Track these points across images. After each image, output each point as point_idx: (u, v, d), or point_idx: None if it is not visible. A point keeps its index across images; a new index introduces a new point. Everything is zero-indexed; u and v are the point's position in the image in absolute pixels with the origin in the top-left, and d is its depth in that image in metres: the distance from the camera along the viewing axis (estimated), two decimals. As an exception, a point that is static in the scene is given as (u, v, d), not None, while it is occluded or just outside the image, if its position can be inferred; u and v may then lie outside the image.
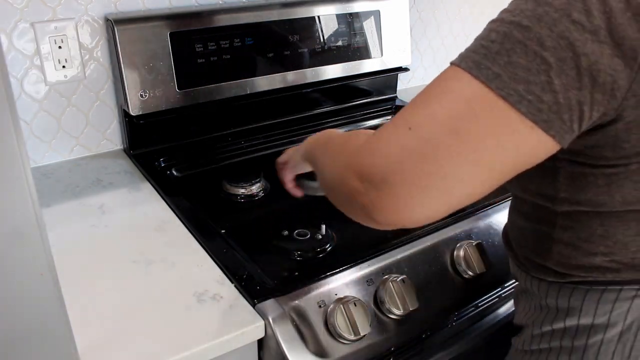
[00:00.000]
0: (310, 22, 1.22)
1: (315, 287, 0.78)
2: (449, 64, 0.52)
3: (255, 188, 1.06)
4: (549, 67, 0.46)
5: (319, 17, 1.22)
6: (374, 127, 1.40)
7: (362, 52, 1.31)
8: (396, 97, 1.50)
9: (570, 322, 0.64)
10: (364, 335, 0.76)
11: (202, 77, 1.10)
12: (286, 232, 0.92)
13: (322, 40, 1.24)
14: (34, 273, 0.47)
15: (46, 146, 1.10)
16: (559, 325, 0.66)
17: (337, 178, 0.59)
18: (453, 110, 0.49)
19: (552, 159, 0.52)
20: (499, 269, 0.96)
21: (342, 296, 0.78)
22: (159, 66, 1.05)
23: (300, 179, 0.96)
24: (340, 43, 1.27)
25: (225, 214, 1.01)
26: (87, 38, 1.06)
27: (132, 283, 0.79)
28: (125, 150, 1.17)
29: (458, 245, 0.91)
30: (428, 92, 0.51)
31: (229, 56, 1.12)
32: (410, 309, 0.81)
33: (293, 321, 0.73)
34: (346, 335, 0.75)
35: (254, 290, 0.76)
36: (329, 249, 0.90)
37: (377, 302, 0.81)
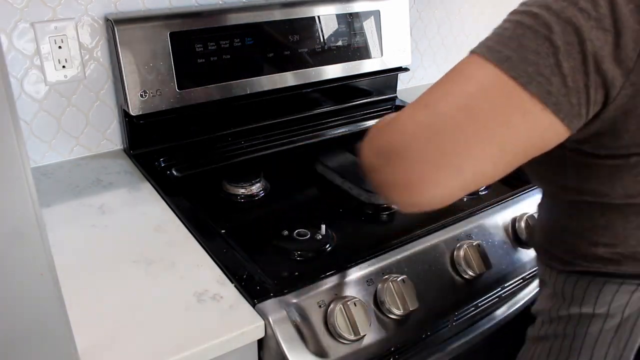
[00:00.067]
0: (310, 22, 1.22)
1: (315, 287, 0.78)
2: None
3: (255, 188, 1.06)
4: (557, 49, 0.48)
5: (319, 17, 1.22)
6: (374, 127, 1.41)
7: (362, 52, 1.31)
8: (396, 97, 1.50)
9: (574, 310, 0.67)
10: (364, 335, 0.76)
11: (202, 77, 1.10)
12: (286, 232, 0.92)
13: (322, 40, 1.24)
14: (34, 273, 0.47)
15: (46, 146, 1.10)
16: (563, 312, 0.69)
17: (361, 159, 0.61)
18: (466, 90, 0.52)
19: (561, 147, 0.54)
20: (499, 269, 0.96)
21: (342, 296, 0.78)
22: (159, 66, 1.05)
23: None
24: (340, 43, 1.27)
25: (225, 214, 1.01)
26: (87, 38, 1.06)
27: (132, 283, 0.79)
28: (125, 150, 1.17)
29: (458, 245, 0.91)
30: (446, 76, 0.56)
31: (229, 56, 1.12)
32: (410, 309, 0.81)
33: (293, 321, 0.73)
34: (346, 335, 0.75)
35: (254, 290, 0.76)
36: (329, 249, 0.90)
37: (377, 302, 0.81)
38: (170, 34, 1.05)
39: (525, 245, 1.01)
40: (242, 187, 1.05)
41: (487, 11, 1.71)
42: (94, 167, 1.10)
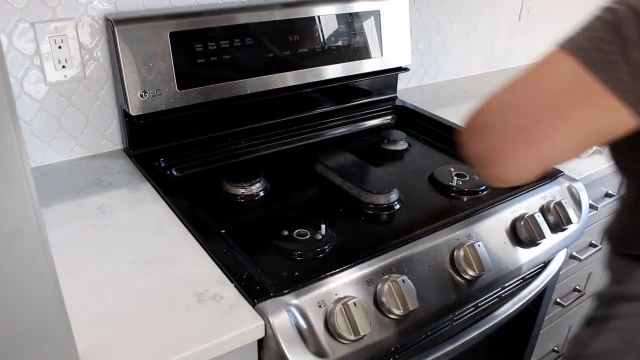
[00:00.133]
0: (310, 22, 1.22)
1: (315, 287, 0.78)
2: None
3: (255, 188, 1.06)
4: (626, 40, 0.52)
5: (319, 17, 1.23)
6: (374, 127, 1.41)
7: (362, 52, 1.31)
8: (396, 97, 1.50)
9: (616, 288, 0.73)
10: (364, 335, 0.76)
11: (202, 77, 1.10)
12: (286, 232, 0.92)
13: (322, 40, 1.24)
14: (34, 273, 0.47)
15: (46, 146, 1.10)
16: (610, 290, 0.74)
17: (459, 137, 0.68)
18: (543, 73, 0.58)
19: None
20: (498, 269, 0.96)
21: (342, 296, 0.78)
22: (159, 66, 1.05)
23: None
24: (340, 43, 1.27)
25: (225, 214, 1.01)
26: (87, 38, 1.06)
27: (132, 283, 0.79)
28: (125, 150, 1.17)
29: (458, 245, 0.91)
30: (531, 64, 0.61)
31: (229, 56, 1.12)
32: (410, 309, 0.81)
33: (293, 321, 0.73)
34: (346, 335, 0.75)
35: (254, 290, 0.76)
36: (329, 249, 0.90)
37: (377, 302, 0.81)
38: (170, 34, 1.05)
39: (525, 245, 1.01)
40: (242, 187, 1.05)
41: (487, 11, 1.71)
42: (94, 167, 1.10)
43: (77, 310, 0.73)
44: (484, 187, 1.10)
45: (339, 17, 1.25)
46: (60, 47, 1.03)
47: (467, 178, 1.12)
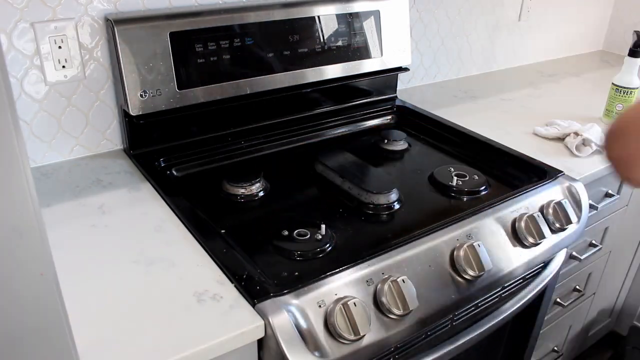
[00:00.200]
0: (310, 22, 1.22)
1: (315, 287, 0.78)
2: None
3: (255, 188, 1.06)
4: None
5: (319, 17, 1.23)
6: (374, 127, 1.41)
7: (362, 52, 1.31)
8: (396, 97, 1.50)
9: None
10: (364, 335, 0.76)
11: (202, 77, 1.10)
12: (286, 232, 0.92)
13: (322, 40, 1.24)
14: (34, 273, 0.47)
15: (46, 146, 1.10)
16: None
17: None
18: None
19: None
20: (498, 269, 0.96)
21: (342, 296, 0.78)
22: (159, 66, 1.05)
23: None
24: (340, 43, 1.27)
25: (225, 214, 1.01)
26: (87, 38, 1.06)
27: (132, 283, 0.79)
28: (125, 150, 1.17)
29: (458, 245, 0.91)
30: None
31: (229, 56, 1.12)
32: (410, 309, 0.81)
33: (293, 321, 0.73)
34: (346, 335, 0.75)
35: (254, 290, 0.76)
36: (329, 249, 0.90)
37: (377, 302, 0.81)
38: (170, 34, 1.05)
39: (525, 245, 1.01)
40: (242, 187, 1.05)
41: (487, 11, 1.71)
42: (94, 167, 1.10)
43: (77, 310, 0.73)
44: (483, 187, 1.10)
45: (339, 17, 1.25)
46: (60, 47, 1.03)
47: (467, 178, 1.12)
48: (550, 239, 1.05)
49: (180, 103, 1.09)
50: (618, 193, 1.40)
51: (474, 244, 0.90)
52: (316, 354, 0.74)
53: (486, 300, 1.02)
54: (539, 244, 1.02)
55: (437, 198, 1.09)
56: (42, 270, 0.47)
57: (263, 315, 0.73)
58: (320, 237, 0.91)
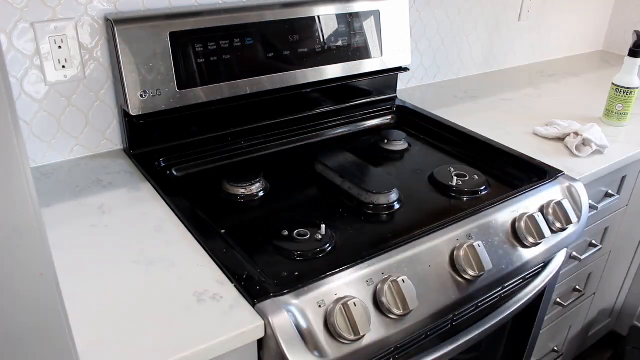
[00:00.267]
0: (310, 22, 1.22)
1: (315, 287, 0.78)
2: None
3: (255, 188, 1.06)
4: None
5: (319, 17, 1.23)
6: (374, 127, 1.41)
7: (362, 52, 1.31)
8: (396, 97, 1.50)
9: None
10: (364, 335, 0.76)
11: (202, 77, 1.10)
12: (286, 232, 0.92)
13: (322, 40, 1.24)
14: (34, 273, 0.47)
15: (46, 146, 1.10)
16: None
17: None
18: None
19: None
20: (498, 269, 0.96)
21: (342, 296, 0.78)
22: (159, 66, 1.05)
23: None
24: (340, 43, 1.27)
25: (225, 214, 1.01)
26: (87, 38, 1.06)
27: (132, 283, 0.79)
28: (125, 150, 1.17)
29: (458, 245, 0.91)
30: None
31: (229, 56, 1.12)
32: (410, 309, 0.81)
33: (293, 321, 0.73)
34: (346, 335, 0.75)
35: (254, 290, 0.76)
36: (329, 249, 0.90)
37: (377, 302, 0.81)
38: (170, 34, 1.05)
39: (525, 245, 1.01)
40: (242, 187, 1.05)
41: (487, 11, 1.71)
42: (94, 167, 1.10)
43: (77, 310, 0.73)
44: (483, 187, 1.10)
45: (339, 17, 1.25)
46: (60, 47, 1.03)
47: (467, 178, 1.12)
48: (550, 239, 1.05)
49: (180, 103, 1.09)
50: (618, 193, 1.40)
51: (474, 244, 0.90)
52: (316, 354, 0.74)
53: (486, 300, 1.02)
54: (539, 244, 1.02)
55: (437, 198, 1.09)
56: (42, 270, 0.47)
57: (263, 315, 0.73)
58: (320, 237, 0.91)
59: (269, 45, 1.17)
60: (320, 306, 0.76)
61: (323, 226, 0.92)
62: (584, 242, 1.40)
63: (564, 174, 1.14)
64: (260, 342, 0.75)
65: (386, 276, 0.82)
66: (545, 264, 1.12)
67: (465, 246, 0.90)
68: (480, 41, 1.74)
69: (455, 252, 0.91)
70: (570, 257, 1.35)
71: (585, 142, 1.26)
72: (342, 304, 0.76)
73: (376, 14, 1.32)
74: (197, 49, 1.08)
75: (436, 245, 0.91)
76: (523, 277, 1.08)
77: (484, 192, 1.09)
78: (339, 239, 0.93)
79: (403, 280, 0.81)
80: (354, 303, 0.76)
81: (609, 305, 1.79)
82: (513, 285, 1.07)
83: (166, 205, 0.98)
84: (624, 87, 1.39)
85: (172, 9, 1.12)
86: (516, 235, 1.00)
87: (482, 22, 1.72)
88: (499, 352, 1.28)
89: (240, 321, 0.72)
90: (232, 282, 0.79)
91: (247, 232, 0.95)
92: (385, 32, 1.35)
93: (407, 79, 1.62)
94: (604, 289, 1.67)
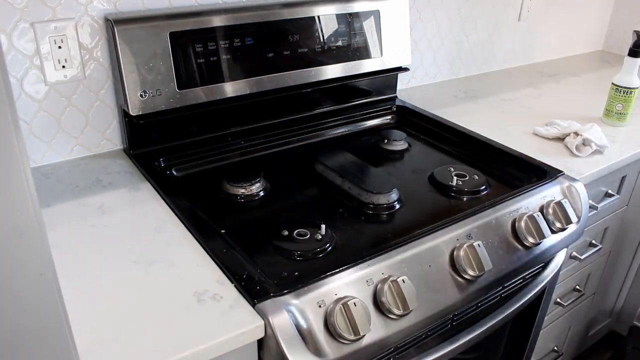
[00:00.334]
0: (310, 22, 1.22)
1: (315, 287, 0.78)
2: None
3: (255, 188, 1.06)
4: None
5: (319, 17, 1.23)
6: (374, 127, 1.41)
7: (362, 52, 1.31)
8: (396, 97, 1.50)
9: None
10: (364, 335, 0.76)
11: (202, 77, 1.10)
12: (286, 232, 0.92)
13: (322, 40, 1.24)
14: (34, 273, 0.47)
15: (46, 146, 1.10)
16: None
17: None
18: None
19: None
20: (499, 269, 0.96)
21: (342, 296, 0.78)
22: (159, 66, 1.05)
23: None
24: (340, 43, 1.27)
25: (225, 214, 1.01)
26: (87, 38, 1.06)
27: (132, 283, 0.79)
28: (125, 150, 1.17)
29: (458, 245, 0.91)
30: None
31: (229, 56, 1.12)
32: (410, 309, 0.81)
33: (293, 321, 0.73)
34: (346, 335, 0.75)
35: (254, 290, 0.76)
36: (329, 249, 0.90)
37: (377, 302, 0.81)
38: (170, 34, 1.05)
39: (525, 245, 1.01)
40: (242, 187, 1.05)
41: (487, 11, 1.71)
42: (94, 167, 1.10)
43: (77, 310, 0.73)
44: (484, 187, 1.10)
45: (339, 17, 1.25)
46: (60, 47, 1.03)
47: (467, 178, 1.12)
48: (550, 239, 1.05)
49: (180, 103, 1.09)
50: (618, 193, 1.40)
51: (474, 244, 0.90)
52: (316, 354, 0.74)
53: (486, 300, 1.02)
54: (539, 244, 1.02)
55: (437, 198, 1.09)
56: (42, 270, 0.47)
57: (263, 315, 0.73)
58: (320, 237, 0.91)
59: (269, 45, 1.17)
60: (320, 306, 0.76)
61: (323, 226, 0.92)
62: (584, 242, 1.40)
63: (564, 174, 1.14)
64: (260, 342, 0.75)
65: (386, 276, 0.82)
66: (545, 264, 1.12)
67: (465, 246, 0.90)
68: (480, 41, 1.74)
69: (455, 252, 0.91)
70: (570, 257, 1.35)
71: (585, 142, 1.26)
72: (342, 304, 0.76)
73: (376, 14, 1.32)
74: (197, 49, 1.08)
75: (436, 245, 0.91)
76: (523, 277, 1.08)
77: (484, 192, 1.09)
78: (339, 239, 0.93)
79: (403, 280, 0.81)
80: (354, 303, 0.76)
81: (609, 305, 1.79)
82: (513, 285, 1.07)
83: (166, 205, 0.98)
84: (624, 87, 1.39)
85: (172, 9, 1.12)
86: (516, 235, 1.00)
87: (482, 22, 1.72)
88: (499, 352, 1.28)
89: (240, 321, 0.72)
90: (232, 282, 0.79)
91: (247, 232, 0.95)
92: (385, 32, 1.35)
93: (407, 79, 1.62)
94: (604, 289, 1.67)
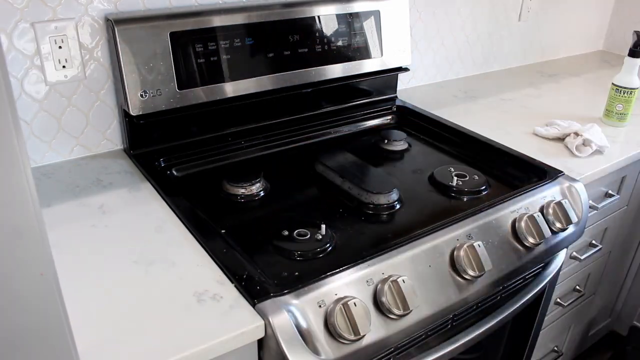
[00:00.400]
0: (310, 22, 1.22)
1: (315, 287, 0.78)
2: None
3: (255, 188, 1.06)
4: None
5: (319, 17, 1.23)
6: (374, 127, 1.41)
7: (362, 52, 1.31)
8: (396, 97, 1.50)
9: None
10: (364, 335, 0.76)
11: (202, 77, 1.10)
12: (286, 232, 0.92)
13: (322, 40, 1.24)
14: (34, 273, 0.47)
15: (46, 146, 1.10)
16: None
17: None
18: None
19: None
20: (499, 269, 0.96)
21: (342, 296, 0.78)
22: (159, 66, 1.05)
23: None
24: (340, 43, 1.27)
25: (225, 214, 1.01)
26: (87, 38, 1.06)
27: (132, 283, 0.79)
28: (125, 150, 1.17)
29: (458, 245, 0.91)
30: None
31: (229, 56, 1.12)
32: (410, 309, 0.81)
33: (293, 321, 0.73)
34: (346, 335, 0.75)
35: (254, 290, 0.76)
36: (329, 249, 0.90)
37: (377, 302, 0.81)
38: (170, 34, 1.05)
39: (525, 245, 1.01)
40: (242, 187, 1.05)
41: (487, 11, 1.71)
42: (94, 167, 1.10)
43: (77, 310, 0.73)
44: (483, 187, 1.10)
45: (339, 17, 1.25)
46: (60, 47, 1.03)
47: (467, 178, 1.12)
48: (550, 239, 1.05)
49: (181, 103, 1.09)
50: (618, 193, 1.40)
51: (474, 244, 0.90)
52: (316, 354, 0.74)
53: (486, 300, 1.02)
54: (539, 244, 1.02)
55: (437, 198, 1.09)
56: (42, 270, 0.47)
57: (263, 315, 0.73)
58: (320, 237, 0.91)
59: (269, 45, 1.17)
60: (320, 306, 0.76)
61: (323, 226, 0.92)
62: (584, 242, 1.40)
63: (564, 174, 1.14)
64: (260, 342, 0.75)
65: (386, 276, 0.82)
66: (545, 264, 1.12)
67: (465, 246, 0.90)
68: (480, 41, 1.74)
69: (455, 252, 0.91)
70: (570, 257, 1.35)
71: (585, 142, 1.26)
72: (342, 304, 0.76)
73: (376, 14, 1.32)
74: (197, 49, 1.08)
75: (436, 245, 0.91)
76: (523, 277, 1.08)
77: (484, 192, 1.09)
78: (339, 239, 0.93)
79: (403, 280, 0.81)
80: (354, 303, 0.76)
81: (609, 305, 1.79)
82: (513, 285, 1.08)
83: (166, 206, 0.98)
84: (624, 87, 1.39)
85: (172, 9, 1.12)
86: (516, 236, 1.00)
87: (482, 22, 1.72)
88: (499, 352, 1.28)
89: (240, 321, 0.72)
90: (232, 282, 0.79)
91: (247, 232, 0.95)
92: (385, 32, 1.35)
93: (407, 79, 1.62)
94: (604, 289, 1.67)
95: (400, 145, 1.30)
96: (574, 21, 2.02)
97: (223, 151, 1.20)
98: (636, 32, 1.37)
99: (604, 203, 1.36)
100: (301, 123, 1.31)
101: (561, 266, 1.16)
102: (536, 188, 1.08)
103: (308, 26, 1.21)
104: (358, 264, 0.83)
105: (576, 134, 1.27)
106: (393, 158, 1.27)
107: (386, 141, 1.30)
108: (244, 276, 0.79)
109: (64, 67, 1.05)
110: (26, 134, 1.06)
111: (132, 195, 1.01)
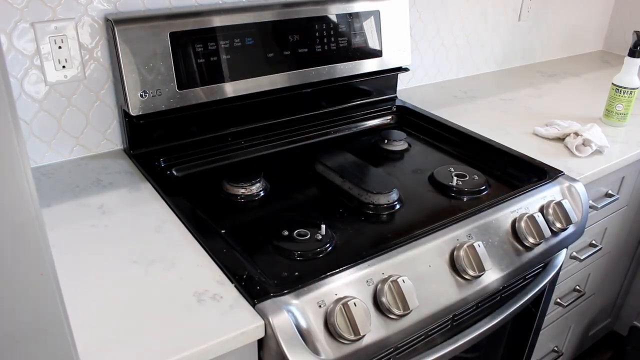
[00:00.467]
0: (310, 22, 1.22)
1: (315, 287, 0.78)
2: None
3: (255, 188, 1.06)
4: None
5: (319, 17, 1.22)
6: (374, 127, 1.41)
7: (362, 52, 1.31)
8: (396, 97, 1.50)
9: None
10: (364, 335, 0.76)
11: (202, 77, 1.10)
12: (286, 232, 0.92)
13: (322, 40, 1.24)
14: (34, 273, 0.47)
15: (46, 146, 1.10)
16: None
17: None
18: None
19: None
20: (499, 269, 0.96)
21: (342, 296, 0.78)
22: (159, 66, 1.05)
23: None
24: (340, 43, 1.27)
25: (225, 214, 1.01)
26: (87, 38, 1.06)
27: (132, 283, 0.79)
28: (125, 150, 1.17)
29: (458, 245, 0.91)
30: None
31: (229, 56, 1.12)
32: (410, 309, 0.81)
33: (293, 321, 0.73)
34: (346, 335, 0.75)
35: (254, 290, 0.76)
36: (329, 249, 0.90)
37: (377, 302, 0.81)
38: (170, 34, 1.05)
39: (525, 245, 1.01)
40: (242, 187, 1.05)
41: (487, 11, 1.71)
42: (94, 167, 1.10)
43: (77, 310, 0.73)
44: (483, 187, 1.10)
45: (339, 17, 1.25)
46: (60, 47, 1.03)
47: (467, 178, 1.12)
48: (550, 239, 1.05)
49: (180, 103, 1.09)
50: (618, 193, 1.40)
51: (474, 244, 0.90)
52: (316, 354, 0.74)
53: (486, 301, 1.02)
54: (539, 244, 1.02)
55: (437, 198, 1.09)
56: (42, 270, 0.47)
57: (263, 315, 0.73)
58: (320, 237, 0.91)
59: (269, 45, 1.17)
60: (320, 306, 0.76)
61: (323, 226, 0.92)
62: (584, 242, 1.40)
63: (564, 174, 1.14)
64: (261, 342, 0.75)
65: (386, 276, 0.82)
66: (546, 264, 1.12)
67: (465, 246, 0.90)
68: (480, 41, 1.74)
69: (455, 252, 0.91)
70: (570, 257, 1.35)
71: (585, 142, 1.26)
72: (342, 304, 0.76)
73: (376, 14, 1.32)
74: (197, 49, 1.08)
75: (436, 245, 0.91)
76: (523, 277, 1.08)
77: (484, 192, 1.09)
78: (339, 239, 0.93)
79: (403, 280, 0.81)
80: (354, 303, 0.76)
81: (609, 305, 1.79)
82: (513, 285, 1.08)
83: (166, 206, 0.98)
84: (624, 87, 1.39)
85: (172, 9, 1.12)
86: (516, 235, 1.00)
87: (482, 22, 1.72)
88: (499, 352, 1.28)
89: (240, 321, 0.72)
90: (232, 282, 0.79)
91: (247, 232, 0.95)
92: (385, 32, 1.35)
93: (407, 79, 1.62)
94: (604, 289, 1.67)
95: (400, 145, 1.30)
96: (574, 21, 2.02)
97: (223, 151, 1.20)
98: (636, 32, 1.37)
99: (604, 203, 1.36)
100: (301, 123, 1.31)
101: (561, 266, 1.16)
102: (536, 188, 1.08)
103: (308, 26, 1.21)
104: (358, 264, 0.83)
105: (576, 134, 1.27)
106: (393, 158, 1.27)
107: (386, 141, 1.30)
108: (244, 276, 0.79)
109: (63, 67, 1.05)
110: (26, 134, 1.06)
111: (132, 196, 1.01)
